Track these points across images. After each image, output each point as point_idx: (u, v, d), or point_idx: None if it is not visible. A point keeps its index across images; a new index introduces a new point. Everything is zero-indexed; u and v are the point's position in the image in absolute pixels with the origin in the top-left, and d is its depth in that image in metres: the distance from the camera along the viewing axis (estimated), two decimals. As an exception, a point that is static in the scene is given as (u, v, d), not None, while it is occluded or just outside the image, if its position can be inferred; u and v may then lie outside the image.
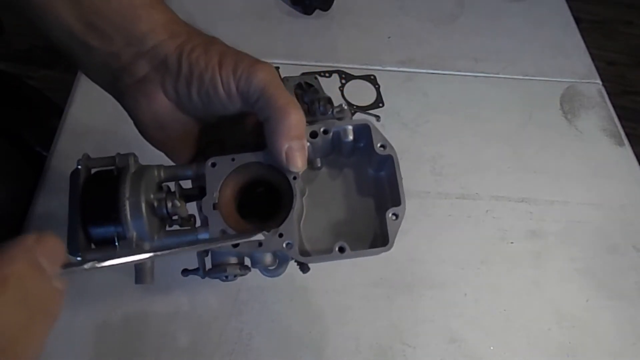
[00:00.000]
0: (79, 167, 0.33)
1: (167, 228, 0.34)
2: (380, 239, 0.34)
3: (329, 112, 0.35)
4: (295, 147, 0.32)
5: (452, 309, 0.58)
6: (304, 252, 0.33)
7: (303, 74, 0.70)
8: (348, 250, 0.32)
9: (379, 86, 0.77)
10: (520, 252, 0.63)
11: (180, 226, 0.35)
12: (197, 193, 0.35)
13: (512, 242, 0.63)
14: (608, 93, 0.80)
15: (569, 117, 0.77)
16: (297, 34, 0.81)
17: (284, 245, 0.32)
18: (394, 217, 0.34)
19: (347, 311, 0.56)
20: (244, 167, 0.34)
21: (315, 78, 0.67)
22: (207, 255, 0.37)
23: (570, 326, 0.58)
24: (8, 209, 0.60)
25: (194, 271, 0.38)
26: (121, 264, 0.27)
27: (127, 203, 0.31)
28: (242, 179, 0.34)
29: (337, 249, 0.32)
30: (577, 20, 0.90)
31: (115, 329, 0.54)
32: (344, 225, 0.35)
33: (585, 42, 0.87)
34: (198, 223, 0.35)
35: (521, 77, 0.81)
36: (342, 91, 0.75)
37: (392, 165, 0.35)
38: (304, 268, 0.36)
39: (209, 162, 0.34)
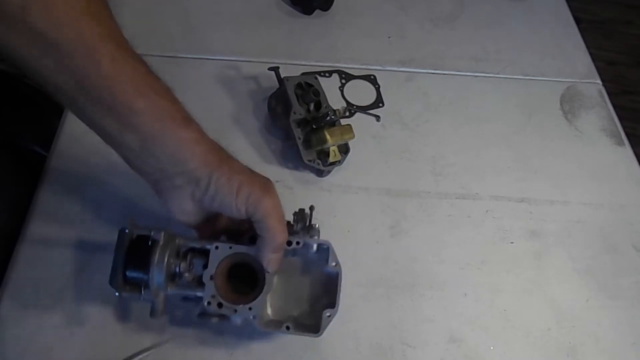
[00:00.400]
0: (127, 230, 0.47)
1: (178, 281, 0.48)
2: (318, 324, 0.47)
3: (305, 230, 0.49)
4: (274, 259, 0.45)
5: (452, 309, 0.58)
6: (264, 321, 0.48)
7: (303, 74, 0.70)
8: (292, 329, 0.46)
9: (379, 86, 0.77)
10: (520, 252, 0.63)
11: (187, 282, 0.48)
12: (204, 256, 0.47)
13: (512, 242, 0.63)
14: (608, 93, 0.80)
15: (569, 117, 0.77)
16: (297, 34, 0.81)
17: (252, 317, 0.46)
18: (327, 315, 0.46)
19: (347, 311, 0.56)
20: (237, 254, 0.47)
21: (315, 78, 0.67)
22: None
23: (570, 326, 0.58)
24: (4, 215, 0.60)
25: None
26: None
27: (155, 267, 0.45)
28: (233, 260, 0.47)
29: (285, 326, 0.46)
30: (577, 20, 0.90)
31: (116, 329, 0.54)
32: (299, 303, 0.49)
33: (585, 42, 0.87)
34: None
35: (521, 77, 0.81)
36: (342, 91, 0.75)
37: (337, 277, 0.48)
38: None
39: (214, 246, 0.47)
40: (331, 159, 0.64)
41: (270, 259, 0.45)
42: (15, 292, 0.55)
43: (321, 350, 0.54)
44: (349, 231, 0.57)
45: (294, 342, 0.54)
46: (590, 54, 0.86)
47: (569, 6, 0.92)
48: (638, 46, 2.05)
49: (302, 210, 0.49)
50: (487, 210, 0.66)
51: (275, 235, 0.44)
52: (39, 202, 0.61)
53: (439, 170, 0.69)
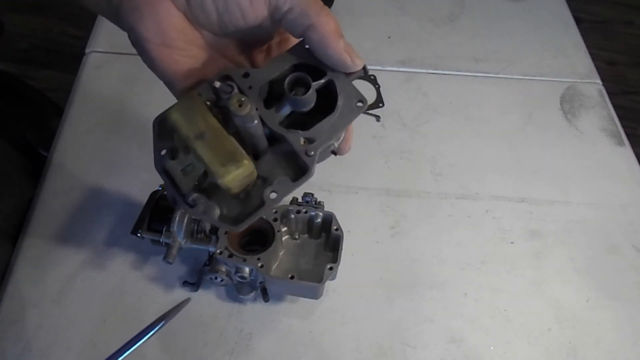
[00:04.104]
0: (160, 188, 0.55)
1: (194, 236, 0.54)
2: (321, 278, 0.50)
3: (311, 202, 0.55)
4: (346, 42, 0.32)
5: (452, 309, 0.58)
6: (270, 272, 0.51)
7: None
8: (295, 279, 0.50)
9: (379, 86, 0.77)
10: (520, 252, 0.63)
11: (202, 240, 0.54)
12: None
13: (512, 242, 0.63)
14: (608, 93, 0.80)
15: (569, 117, 0.77)
16: (297, 34, 0.81)
17: (259, 265, 0.49)
18: (329, 267, 0.50)
19: (347, 311, 0.57)
20: None
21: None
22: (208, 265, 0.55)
23: (570, 326, 0.58)
24: (12, 217, 0.60)
25: (190, 285, 0.57)
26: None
27: (177, 215, 0.51)
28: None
29: (289, 276, 0.50)
30: (577, 20, 0.90)
31: (116, 328, 0.54)
32: (304, 265, 0.53)
33: (585, 42, 0.87)
34: None
35: (521, 77, 0.81)
36: (342, 91, 0.75)
37: (339, 240, 0.52)
38: (265, 296, 0.56)
39: None
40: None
41: (347, 45, 0.32)
42: (15, 292, 0.55)
43: (321, 351, 0.54)
44: (349, 231, 0.57)
45: (293, 341, 0.54)
46: (590, 54, 0.86)
47: (569, 6, 0.92)
48: (638, 46, 2.04)
49: (310, 193, 0.55)
50: (487, 210, 0.66)
51: (326, 12, 0.31)
52: (40, 201, 0.61)
53: (439, 170, 0.69)
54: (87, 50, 0.77)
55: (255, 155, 0.34)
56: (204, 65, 0.33)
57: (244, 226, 0.32)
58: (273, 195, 0.32)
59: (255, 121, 0.31)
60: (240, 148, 0.31)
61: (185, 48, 0.32)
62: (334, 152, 0.36)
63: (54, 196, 0.62)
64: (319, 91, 0.33)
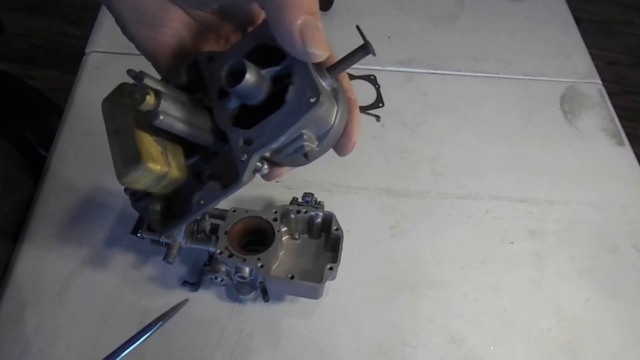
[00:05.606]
0: None
1: (194, 236, 0.54)
2: (321, 279, 0.50)
3: (311, 202, 0.55)
4: (310, 23, 0.25)
5: (452, 309, 0.58)
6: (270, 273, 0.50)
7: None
8: (295, 279, 0.49)
9: (379, 86, 0.77)
10: (520, 252, 0.63)
11: (202, 240, 0.54)
12: (221, 220, 0.53)
13: (512, 242, 0.63)
14: (608, 93, 0.80)
15: (569, 117, 0.77)
16: (297, 34, 0.81)
17: (259, 265, 0.49)
18: (329, 267, 0.50)
19: (347, 311, 0.57)
20: (250, 218, 0.52)
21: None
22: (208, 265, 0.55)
23: (570, 326, 0.58)
24: (14, 216, 0.60)
25: (190, 285, 0.56)
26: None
27: None
28: (248, 224, 0.53)
29: (289, 276, 0.49)
30: (577, 20, 0.90)
31: (116, 328, 0.54)
32: (304, 266, 0.53)
33: (585, 42, 0.87)
34: None
35: (521, 77, 0.81)
36: (342, 91, 0.75)
37: (339, 240, 0.52)
38: (265, 296, 0.55)
39: (232, 208, 0.53)
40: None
41: (305, 24, 0.25)
42: (15, 292, 0.55)
43: (321, 351, 0.54)
44: (349, 231, 0.57)
45: (294, 341, 0.54)
46: (590, 54, 0.86)
47: (569, 6, 0.92)
48: (638, 46, 2.04)
49: (310, 193, 0.56)
50: (487, 210, 0.66)
51: None
52: (40, 201, 0.61)
53: (439, 170, 0.69)
54: (87, 50, 0.77)
55: (213, 153, 0.30)
56: (192, 44, 0.31)
57: (167, 230, 0.30)
58: (202, 202, 0.29)
59: (161, 117, 0.26)
60: (149, 150, 0.27)
61: (167, 25, 0.30)
62: (306, 155, 0.29)
63: (54, 196, 0.62)
64: (280, 80, 0.27)
